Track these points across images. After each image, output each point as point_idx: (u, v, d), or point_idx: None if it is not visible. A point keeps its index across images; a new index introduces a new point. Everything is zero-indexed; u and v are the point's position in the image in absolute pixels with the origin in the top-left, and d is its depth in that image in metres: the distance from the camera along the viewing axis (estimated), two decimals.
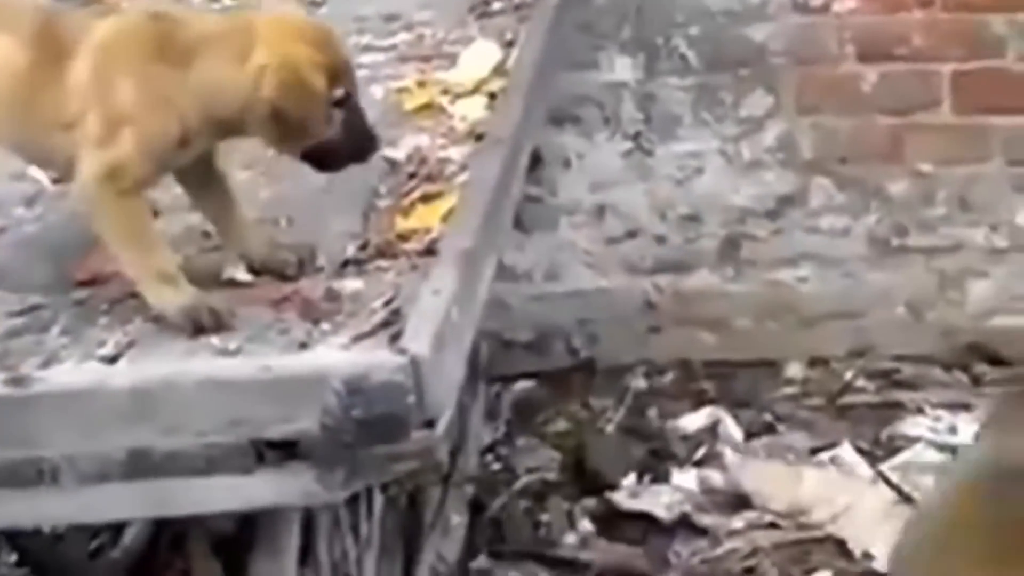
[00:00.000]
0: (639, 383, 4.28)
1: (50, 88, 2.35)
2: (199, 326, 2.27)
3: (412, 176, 2.73)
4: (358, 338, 2.21)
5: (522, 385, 4.29)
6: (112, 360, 2.23)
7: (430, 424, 2.00)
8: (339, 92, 2.32)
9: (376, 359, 2.01)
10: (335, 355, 2.10)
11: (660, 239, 4.23)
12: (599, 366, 4.34)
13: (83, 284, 2.50)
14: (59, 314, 2.41)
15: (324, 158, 2.39)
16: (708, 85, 4.05)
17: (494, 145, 2.62)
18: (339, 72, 2.33)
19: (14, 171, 2.96)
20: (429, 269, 2.33)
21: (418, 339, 2.02)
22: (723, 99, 4.05)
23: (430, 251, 2.44)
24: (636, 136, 4.16)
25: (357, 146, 2.38)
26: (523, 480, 3.95)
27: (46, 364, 2.22)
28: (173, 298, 2.30)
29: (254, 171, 2.84)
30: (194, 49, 2.32)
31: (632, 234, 4.24)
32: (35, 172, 2.96)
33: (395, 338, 2.16)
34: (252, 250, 2.47)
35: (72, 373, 2.15)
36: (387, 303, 2.28)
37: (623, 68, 4.10)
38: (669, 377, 4.29)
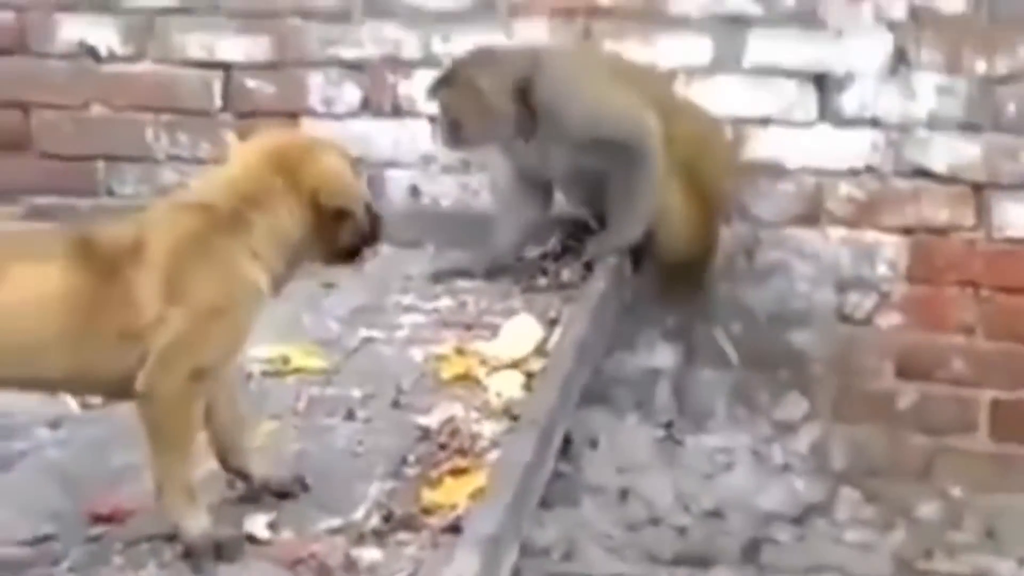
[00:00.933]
0: None
1: (110, 303, 2.31)
2: (218, 553, 2.30)
3: (443, 447, 2.70)
4: None
5: None
6: None
7: None
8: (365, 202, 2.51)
9: None
10: None
11: (681, 531, 4.17)
12: None
13: (100, 519, 2.47)
14: (70, 549, 2.37)
15: (355, 254, 2.53)
16: (745, 383, 4.03)
17: (529, 427, 2.59)
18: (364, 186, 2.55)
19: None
20: (451, 550, 2.29)
21: None
22: (759, 399, 4.03)
23: (454, 528, 2.40)
24: (668, 424, 4.13)
25: (375, 232, 2.53)
26: None
27: None
28: (194, 519, 2.33)
29: (282, 422, 2.82)
30: (242, 207, 2.39)
31: (654, 522, 4.18)
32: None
33: None
34: (252, 468, 2.51)
35: None
36: None
37: (662, 355, 4.09)
38: None
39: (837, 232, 3.89)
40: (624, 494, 4.20)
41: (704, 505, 4.16)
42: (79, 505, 2.52)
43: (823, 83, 3.82)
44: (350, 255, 2.52)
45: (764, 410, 4.05)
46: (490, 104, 3.44)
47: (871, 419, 3.98)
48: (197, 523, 2.34)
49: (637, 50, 3.83)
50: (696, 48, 3.86)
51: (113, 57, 4.16)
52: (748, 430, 4.07)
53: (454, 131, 3.50)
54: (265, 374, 3.02)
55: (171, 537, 2.39)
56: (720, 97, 3.82)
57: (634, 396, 4.13)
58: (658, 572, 4.21)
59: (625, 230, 3.52)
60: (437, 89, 3.53)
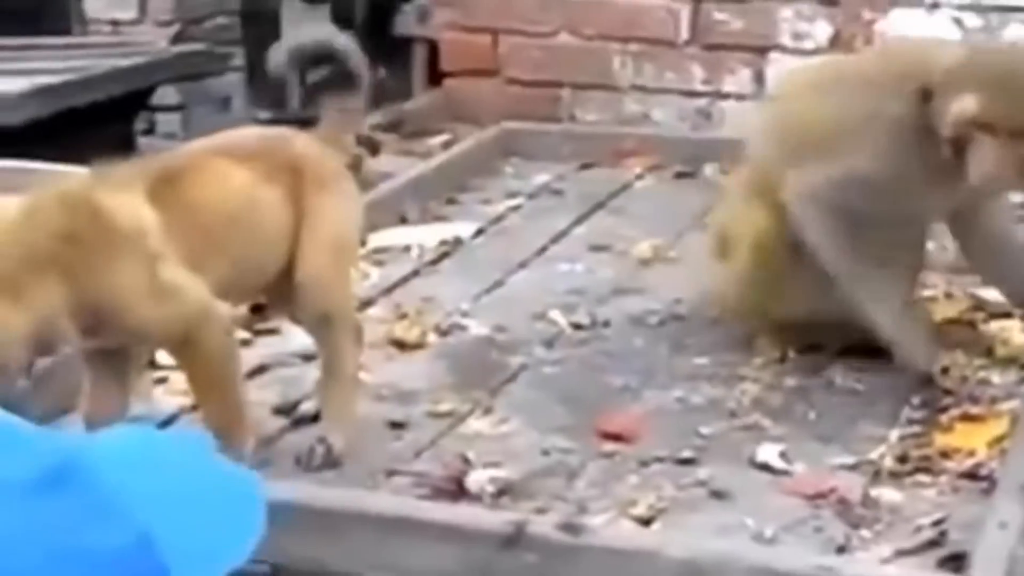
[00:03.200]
0: None
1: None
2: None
3: (948, 392, 2.63)
4: (902, 553, 2.13)
5: None
6: (646, 523, 2.21)
7: None
8: None
9: None
10: (897, 569, 2.02)
11: None
12: None
13: (610, 437, 2.51)
14: (587, 464, 2.42)
15: None
16: None
17: None
18: None
19: (535, 311, 3.03)
20: (976, 497, 2.24)
21: (987, 574, 1.92)
22: None
23: (974, 476, 2.34)
24: None
25: None
26: None
27: (577, 514, 2.22)
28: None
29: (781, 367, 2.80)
30: None
31: None
32: (555, 314, 3.02)
33: (948, 562, 2.07)
34: None
35: (614, 528, 2.14)
36: (936, 523, 2.18)
37: None
38: None
39: None
40: None
41: None
42: (586, 421, 2.56)
43: None
44: None
45: None
46: None
47: None
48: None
49: None
50: None
51: None
52: None
53: None
54: None
55: (685, 461, 2.41)
56: None
57: None
58: None
59: None
60: None
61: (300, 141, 2.51)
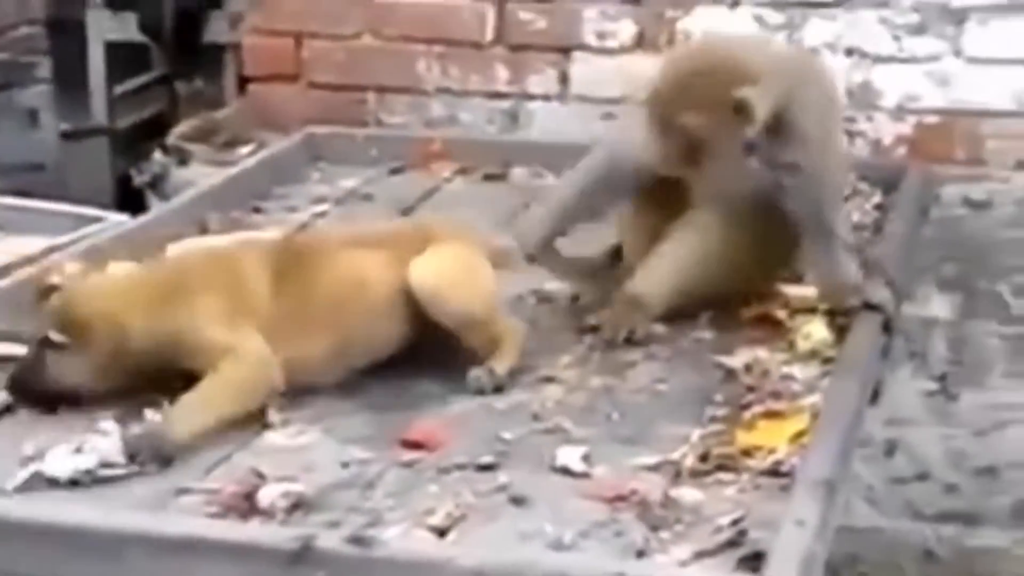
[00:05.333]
0: None
1: None
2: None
3: (751, 389, 2.62)
4: (702, 554, 2.10)
5: None
6: (441, 533, 2.15)
7: None
8: None
9: None
10: (693, 571, 1.98)
11: (950, 488, 4.04)
12: None
13: (409, 446, 2.44)
14: (385, 473, 2.35)
15: None
16: None
17: (849, 371, 2.50)
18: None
19: None
20: (777, 494, 2.23)
21: (784, 573, 1.89)
22: None
23: (775, 472, 2.33)
24: (942, 377, 3.99)
25: None
26: None
27: (371, 525, 2.15)
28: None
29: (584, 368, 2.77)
30: None
31: (921, 477, 4.06)
32: None
33: (746, 562, 2.05)
34: None
35: (407, 540, 2.07)
36: (734, 522, 2.16)
37: (938, 305, 3.96)
38: None
39: None
40: (891, 447, 4.09)
41: (976, 463, 4.03)
42: (388, 431, 2.50)
43: None
44: None
45: None
46: None
47: None
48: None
49: None
50: None
51: None
52: None
53: None
54: None
55: (485, 467, 2.36)
56: None
57: (908, 347, 4.00)
58: (922, 528, 4.09)
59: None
60: None
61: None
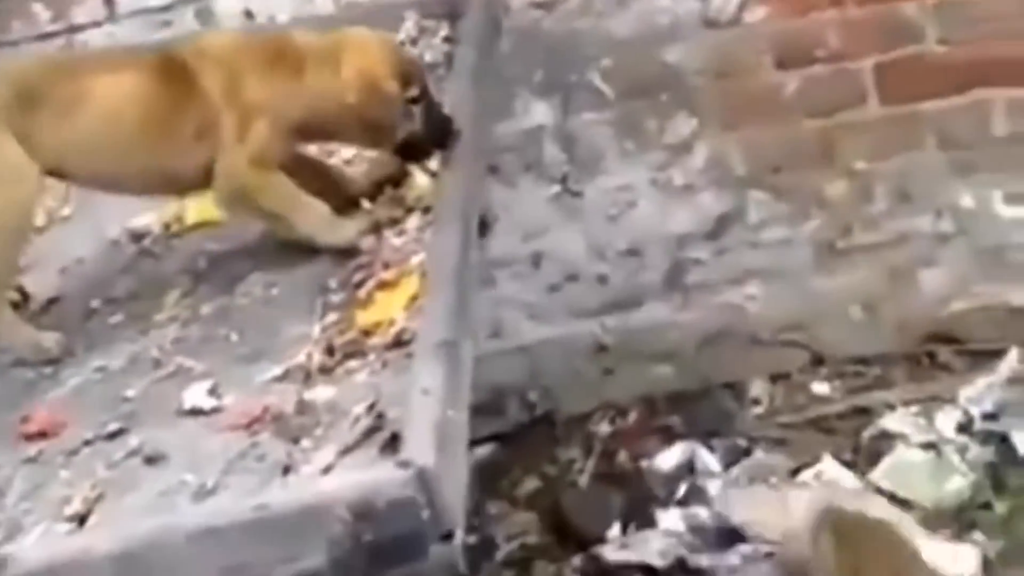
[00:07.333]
0: (603, 428, 4.14)
1: (182, 107, 2.66)
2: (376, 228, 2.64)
3: (361, 267, 2.57)
4: (345, 452, 2.06)
5: (483, 450, 4.13)
6: (82, 520, 2.06)
7: (448, 536, 1.83)
8: (413, 91, 2.70)
9: (380, 476, 1.84)
10: (334, 479, 1.94)
11: (602, 279, 4.09)
12: (559, 417, 4.19)
13: (32, 438, 2.33)
14: (13, 476, 2.24)
15: (412, 151, 2.74)
16: (628, 115, 3.91)
17: (447, 221, 2.45)
18: (410, 76, 2.73)
19: None
20: (406, 365, 2.18)
21: (420, 447, 1.86)
22: (646, 127, 3.92)
23: (399, 343, 2.29)
24: (562, 179, 4.02)
25: (438, 135, 2.70)
26: (504, 549, 3.80)
27: (10, 536, 2.05)
28: (350, 229, 2.65)
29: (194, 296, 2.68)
30: (300, 61, 2.71)
31: (572, 278, 4.10)
32: None
33: (387, 446, 2.01)
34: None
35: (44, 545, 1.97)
36: (369, 408, 2.12)
37: (539, 111, 3.96)
38: (632, 417, 4.16)
39: None
40: (536, 259, 4.11)
41: (618, 247, 4.09)
42: (8, 428, 2.37)
43: None
44: (408, 154, 2.73)
45: (654, 137, 3.95)
46: None
47: (761, 117, 3.90)
48: (354, 228, 2.65)
49: None
50: None
51: None
52: (642, 162, 3.97)
53: None
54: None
55: (114, 434, 2.27)
56: None
57: (521, 160, 4.01)
58: (588, 325, 4.16)
59: None
60: None
61: None
